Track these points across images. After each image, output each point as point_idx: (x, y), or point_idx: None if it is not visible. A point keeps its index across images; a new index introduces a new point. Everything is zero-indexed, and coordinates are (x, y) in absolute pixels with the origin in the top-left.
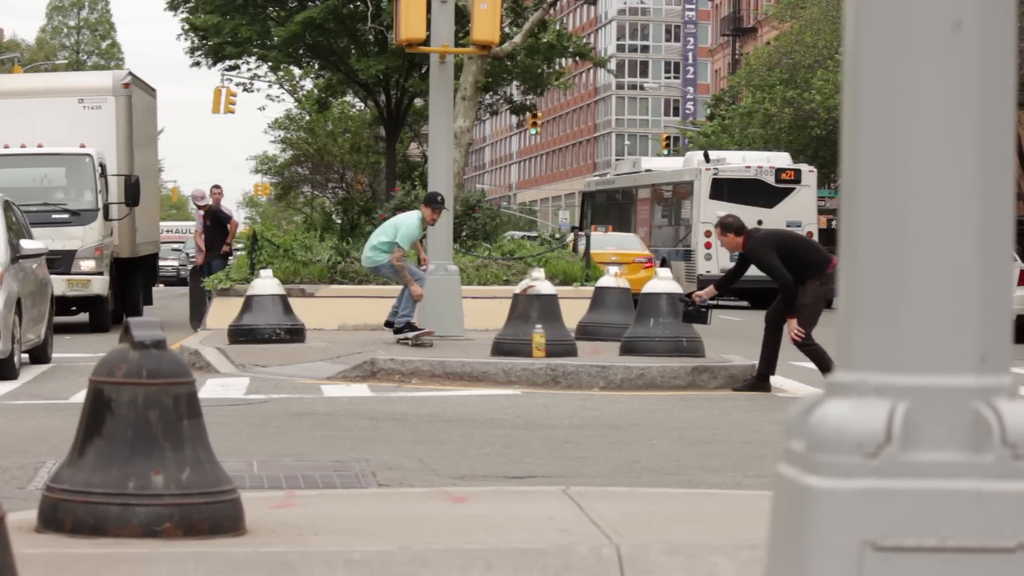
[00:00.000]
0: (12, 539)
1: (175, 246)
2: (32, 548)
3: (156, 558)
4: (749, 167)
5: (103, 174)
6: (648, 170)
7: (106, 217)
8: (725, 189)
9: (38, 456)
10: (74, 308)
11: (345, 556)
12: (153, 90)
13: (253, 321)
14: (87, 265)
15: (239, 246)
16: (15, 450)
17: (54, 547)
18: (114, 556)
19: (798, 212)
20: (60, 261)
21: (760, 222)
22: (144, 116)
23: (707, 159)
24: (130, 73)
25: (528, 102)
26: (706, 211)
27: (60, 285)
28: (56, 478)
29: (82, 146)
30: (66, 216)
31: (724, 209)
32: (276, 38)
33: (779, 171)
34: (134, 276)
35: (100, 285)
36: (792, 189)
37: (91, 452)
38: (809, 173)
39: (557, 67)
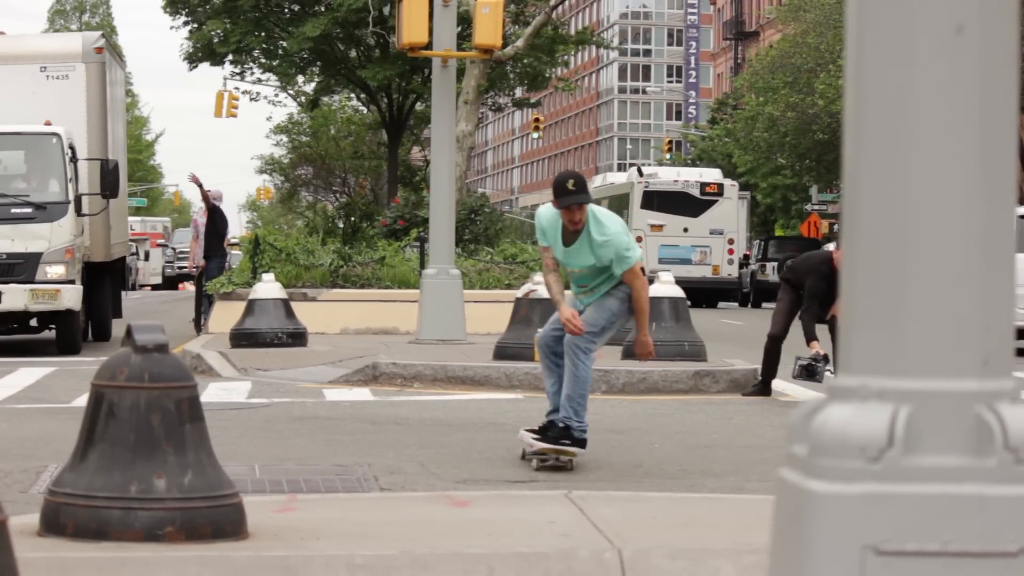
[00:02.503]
0: (14, 543)
1: (159, 242)
2: (34, 552)
3: (158, 562)
4: (676, 181)
5: (73, 158)
6: (612, 183)
7: (78, 212)
8: (655, 200)
9: (40, 460)
10: (35, 323)
11: (347, 560)
12: (124, 61)
13: (255, 325)
14: (55, 271)
15: (234, 243)
16: (17, 454)
17: (56, 551)
18: (116, 560)
19: (720, 222)
20: (22, 266)
21: (686, 229)
22: (117, 90)
23: (640, 173)
24: (103, 35)
25: (530, 98)
26: (638, 219)
27: (21, 296)
28: (58, 482)
29: (47, 124)
30: (29, 211)
31: (655, 218)
32: (282, 50)
33: (703, 185)
34: (102, 283)
35: (72, 297)
36: (715, 201)
37: (93, 456)
38: (731, 187)
39: (560, 63)
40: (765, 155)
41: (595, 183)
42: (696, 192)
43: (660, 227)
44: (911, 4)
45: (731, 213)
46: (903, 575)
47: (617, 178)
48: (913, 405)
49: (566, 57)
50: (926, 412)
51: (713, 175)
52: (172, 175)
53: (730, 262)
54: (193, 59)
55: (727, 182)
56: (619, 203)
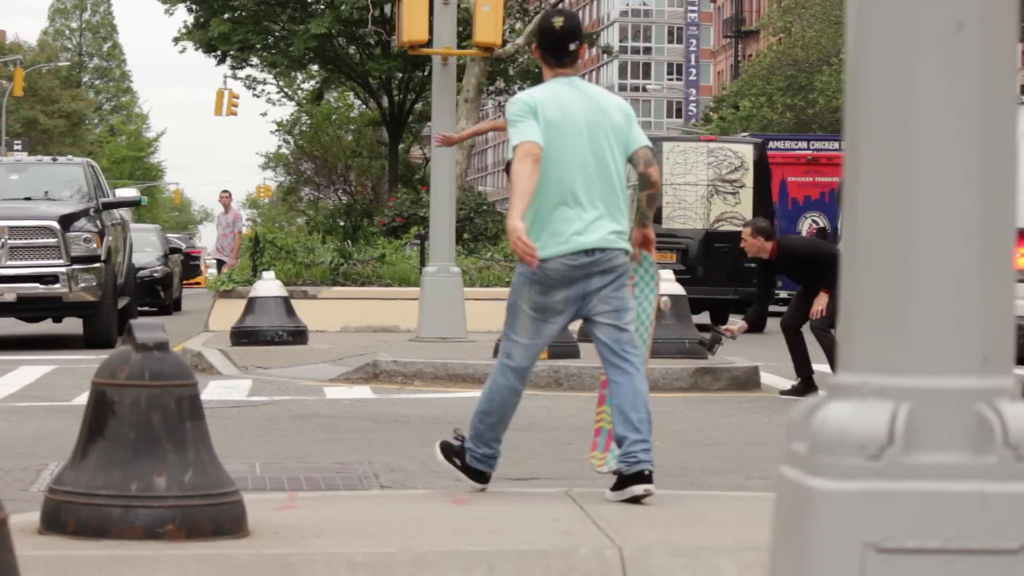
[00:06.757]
0: (15, 541)
1: None
2: (35, 550)
3: (159, 560)
4: None
5: None
6: None
7: None
8: None
9: (41, 458)
10: None
11: (348, 558)
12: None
13: (256, 323)
14: None
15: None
16: (17, 452)
17: (57, 549)
18: (117, 558)
19: None
20: None
21: None
22: None
23: None
24: None
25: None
26: None
27: None
28: (59, 480)
29: None
30: None
31: None
32: (281, 49)
33: None
34: None
35: None
36: None
37: (94, 454)
38: None
39: None
40: None
41: None
42: None
43: None
44: (911, 1)
45: None
46: (903, 572)
47: None
48: (913, 402)
49: None
50: (926, 409)
51: None
52: (173, 173)
53: None
54: (184, 40)
55: None
56: None
